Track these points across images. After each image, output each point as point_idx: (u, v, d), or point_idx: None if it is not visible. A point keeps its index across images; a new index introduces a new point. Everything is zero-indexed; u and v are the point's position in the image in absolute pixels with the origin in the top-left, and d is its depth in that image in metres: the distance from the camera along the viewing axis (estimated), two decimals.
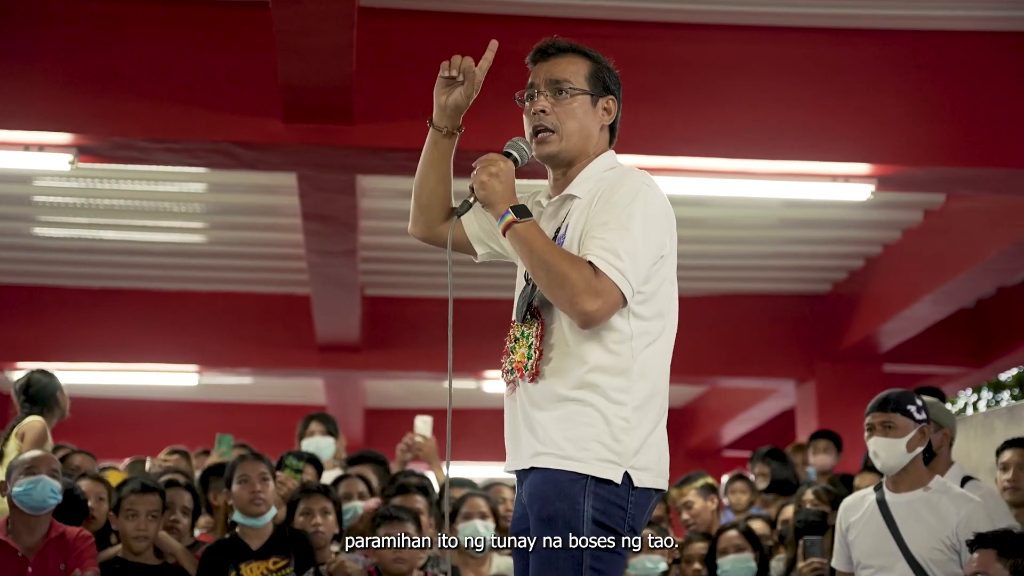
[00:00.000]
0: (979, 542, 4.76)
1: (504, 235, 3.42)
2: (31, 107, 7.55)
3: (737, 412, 15.36)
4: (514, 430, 3.49)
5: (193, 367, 12.94)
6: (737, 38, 8.01)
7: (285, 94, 7.23)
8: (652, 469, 3.41)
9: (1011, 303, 12.08)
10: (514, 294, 3.59)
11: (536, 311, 3.46)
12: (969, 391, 17.03)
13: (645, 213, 3.41)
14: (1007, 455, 5.87)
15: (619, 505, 3.33)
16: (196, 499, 6.32)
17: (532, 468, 3.39)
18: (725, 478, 8.42)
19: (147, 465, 7.88)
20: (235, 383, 15.11)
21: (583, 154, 3.58)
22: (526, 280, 3.50)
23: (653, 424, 3.43)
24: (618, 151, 7.81)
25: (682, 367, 13.76)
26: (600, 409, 3.34)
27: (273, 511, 5.87)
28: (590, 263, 3.31)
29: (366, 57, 7.30)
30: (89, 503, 6.20)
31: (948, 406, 8.17)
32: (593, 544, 3.28)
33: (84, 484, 6.33)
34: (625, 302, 3.35)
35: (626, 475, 3.34)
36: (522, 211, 3.42)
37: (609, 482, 3.32)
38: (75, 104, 7.54)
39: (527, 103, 3.59)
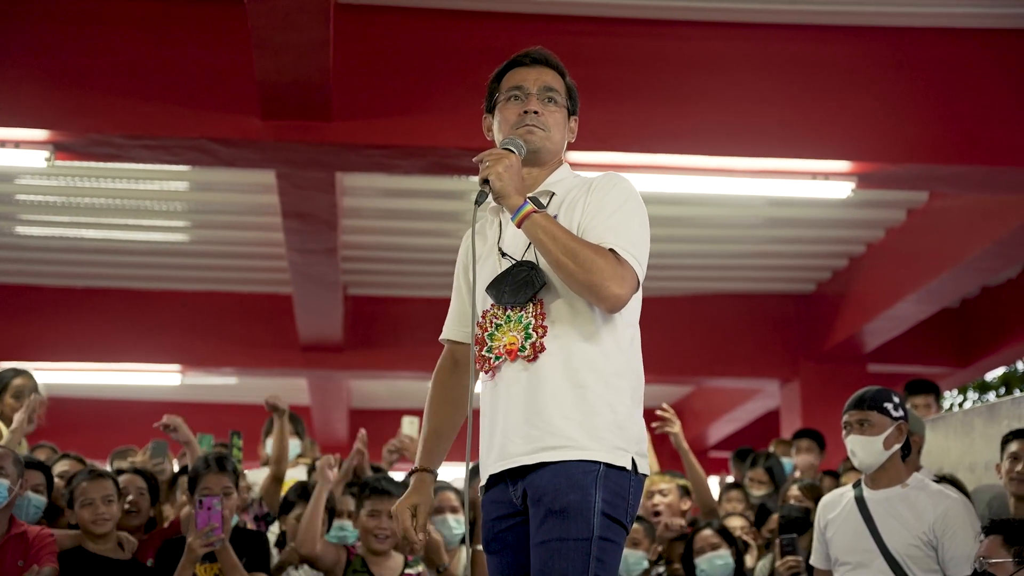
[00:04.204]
0: (990, 528, 4.77)
1: (519, 226, 3.44)
2: (7, 103, 7.50)
3: (722, 413, 15.38)
4: (498, 423, 3.51)
5: (176, 367, 12.89)
6: (716, 35, 7.99)
7: (262, 90, 7.19)
8: (645, 456, 3.52)
9: (995, 303, 12.08)
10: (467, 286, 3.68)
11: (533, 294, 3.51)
12: (955, 392, 17.01)
13: (641, 213, 3.57)
14: (1014, 446, 5.71)
15: (622, 496, 3.41)
16: (150, 482, 6.31)
17: (540, 464, 3.40)
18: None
19: (138, 456, 7.85)
20: (219, 383, 15.06)
21: (553, 161, 3.70)
22: (520, 264, 3.50)
23: (640, 409, 3.55)
24: (597, 148, 7.83)
25: (667, 367, 13.72)
26: (605, 397, 3.43)
27: (235, 519, 5.86)
28: (611, 251, 3.41)
29: (344, 53, 7.27)
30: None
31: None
32: (601, 536, 3.35)
33: (66, 464, 6.37)
34: (638, 287, 3.48)
35: (632, 461, 3.44)
36: (537, 203, 3.49)
37: (620, 469, 3.40)
38: (51, 101, 7.51)
39: (511, 102, 3.66)
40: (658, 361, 12.69)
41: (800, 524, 6.35)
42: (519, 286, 3.48)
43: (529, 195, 3.53)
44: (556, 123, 3.65)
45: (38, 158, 7.59)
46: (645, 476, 3.51)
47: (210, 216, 10.46)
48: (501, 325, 3.52)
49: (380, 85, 7.67)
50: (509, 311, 3.51)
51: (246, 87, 7.38)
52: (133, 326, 12.23)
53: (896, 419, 5.26)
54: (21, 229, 10.80)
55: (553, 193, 3.61)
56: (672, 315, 12.46)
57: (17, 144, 7.55)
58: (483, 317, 3.57)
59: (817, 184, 8.15)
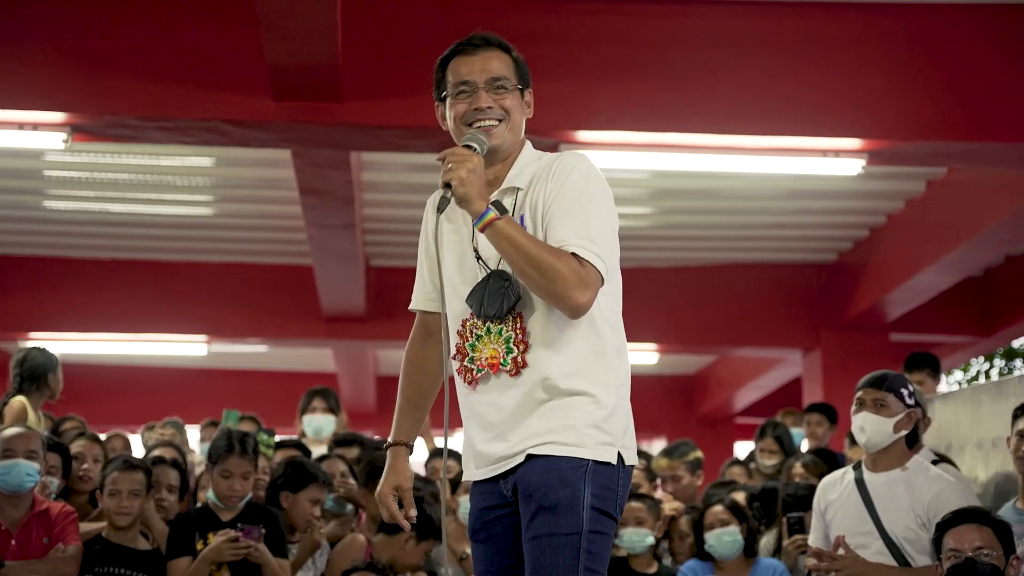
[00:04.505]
0: (955, 518, 4.85)
1: (482, 232, 3.37)
2: (24, 86, 7.59)
3: (747, 380, 15.38)
4: (480, 434, 3.52)
5: (202, 337, 13.03)
6: (726, 13, 7.96)
7: (273, 72, 7.23)
8: (632, 447, 3.51)
9: (1019, 272, 12.00)
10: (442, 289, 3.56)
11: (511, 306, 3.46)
12: (982, 359, 16.91)
13: (602, 192, 3.47)
14: (1023, 423, 5.67)
15: (611, 488, 3.42)
16: (183, 476, 6.41)
17: (528, 458, 3.41)
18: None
19: (144, 437, 7.97)
20: (247, 351, 15.17)
21: (515, 147, 3.59)
22: (499, 276, 3.44)
23: (627, 400, 3.53)
24: (606, 127, 7.83)
25: (691, 336, 13.72)
26: (591, 394, 3.41)
27: (248, 496, 5.96)
28: (573, 254, 3.34)
29: (353, 35, 7.30)
30: (85, 464, 6.34)
31: (959, 374, 8.29)
32: (591, 529, 3.36)
33: (80, 444, 6.47)
34: (603, 283, 3.41)
35: (618, 455, 3.43)
36: (500, 208, 3.38)
37: (607, 464, 3.40)
38: (68, 83, 7.59)
39: (460, 97, 3.52)
40: (683, 331, 12.77)
41: (806, 501, 6.39)
42: (494, 300, 3.42)
43: (493, 198, 3.43)
44: (511, 107, 3.52)
45: (56, 140, 7.69)
46: (633, 467, 3.51)
47: (233, 190, 10.53)
48: (482, 336, 3.47)
49: (391, 65, 7.69)
50: (491, 323, 3.46)
51: (258, 69, 7.39)
52: (160, 297, 12.35)
53: (909, 406, 5.34)
54: (48, 203, 10.90)
55: (519, 189, 3.52)
56: (696, 285, 12.49)
57: (35, 126, 7.64)
58: (463, 326, 3.52)
59: (827, 161, 8.13)
